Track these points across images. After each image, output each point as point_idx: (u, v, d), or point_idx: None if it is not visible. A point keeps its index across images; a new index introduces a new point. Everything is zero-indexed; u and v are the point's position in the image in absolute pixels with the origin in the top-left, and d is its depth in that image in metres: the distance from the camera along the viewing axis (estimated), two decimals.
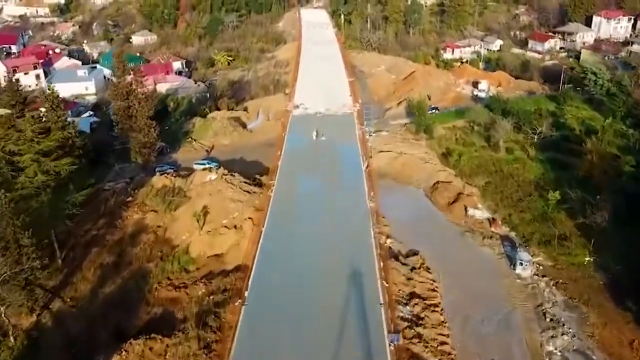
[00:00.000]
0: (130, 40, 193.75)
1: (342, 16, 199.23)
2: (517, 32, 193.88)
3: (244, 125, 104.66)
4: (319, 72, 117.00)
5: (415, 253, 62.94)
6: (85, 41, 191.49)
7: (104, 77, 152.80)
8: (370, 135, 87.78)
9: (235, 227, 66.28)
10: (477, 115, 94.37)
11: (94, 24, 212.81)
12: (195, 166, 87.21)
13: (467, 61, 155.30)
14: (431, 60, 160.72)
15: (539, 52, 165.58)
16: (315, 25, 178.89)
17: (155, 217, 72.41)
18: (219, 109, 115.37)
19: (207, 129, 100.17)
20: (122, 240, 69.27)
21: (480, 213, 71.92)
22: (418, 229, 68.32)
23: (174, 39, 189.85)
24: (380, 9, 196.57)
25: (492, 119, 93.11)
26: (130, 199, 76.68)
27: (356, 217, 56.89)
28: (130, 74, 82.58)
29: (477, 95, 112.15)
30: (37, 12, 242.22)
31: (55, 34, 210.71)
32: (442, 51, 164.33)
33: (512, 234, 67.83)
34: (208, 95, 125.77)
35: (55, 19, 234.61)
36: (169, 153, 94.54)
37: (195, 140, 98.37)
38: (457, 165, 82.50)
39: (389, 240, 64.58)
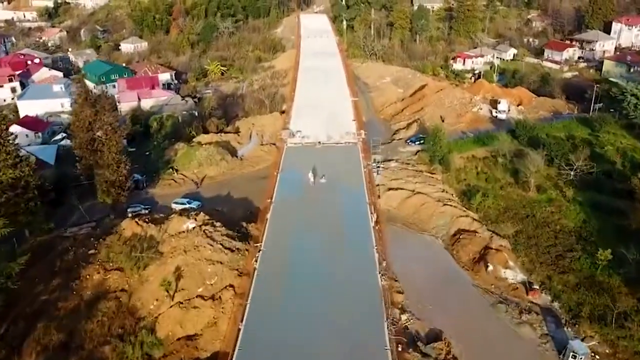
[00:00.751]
0: (119, 47, 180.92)
1: (345, 22, 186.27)
2: (531, 39, 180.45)
3: (233, 152, 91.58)
4: (319, 90, 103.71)
5: (437, 335, 49.94)
6: (70, 49, 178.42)
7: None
8: (377, 172, 74.68)
9: (212, 297, 53.34)
10: (501, 144, 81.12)
11: (82, 30, 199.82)
12: (173, 206, 74.37)
13: (479, 73, 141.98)
14: (440, 71, 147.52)
15: (556, 62, 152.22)
16: (316, 33, 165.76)
17: (120, 278, 59.36)
18: (207, 131, 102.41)
19: (191, 157, 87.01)
20: (77, 308, 56.30)
21: (512, 274, 58.90)
22: (439, 297, 55.34)
23: (165, 46, 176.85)
24: (384, 14, 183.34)
25: (518, 148, 79.96)
26: (92, 251, 63.73)
27: (364, 300, 43.75)
28: (95, 100, 69.27)
29: (496, 116, 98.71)
30: (24, 16, 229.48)
31: (41, 40, 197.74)
32: (452, 61, 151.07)
33: (555, 305, 54.71)
34: (197, 113, 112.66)
35: (43, 24, 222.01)
36: (145, 187, 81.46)
37: (177, 171, 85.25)
38: (481, 208, 69.31)
39: (404, 317, 51.65)
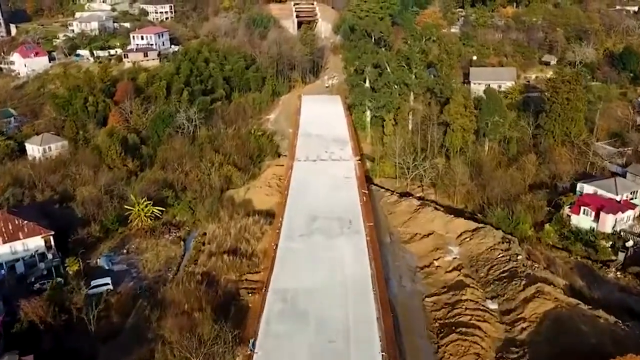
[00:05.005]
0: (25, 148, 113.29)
1: (369, 112, 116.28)
2: None
3: None
4: None
5: None
6: None
7: None
8: None
9: None
10: None
11: None
12: None
13: (635, 246, 69.90)
14: (550, 232, 75.63)
15: None
16: (321, 146, 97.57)
17: None
18: None
19: None
20: None
21: None
22: None
23: (89, 152, 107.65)
24: (429, 97, 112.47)
25: None
26: None
27: None
28: None
29: None
30: None
31: None
32: (568, 211, 78.75)
33: None
34: None
35: None
36: None
37: None
38: None
39: None
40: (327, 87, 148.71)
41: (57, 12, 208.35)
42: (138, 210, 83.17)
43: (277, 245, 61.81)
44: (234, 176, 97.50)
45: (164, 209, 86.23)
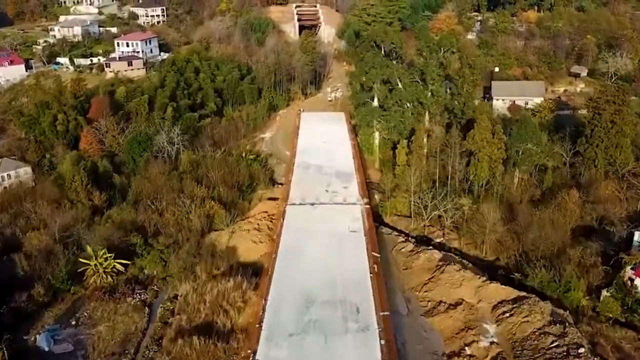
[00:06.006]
0: None
1: (377, 134, 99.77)
2: None
3: None
4: None
5: None
6: None
7: None
8: None
9: None
10: None
11: None
12: None
13: None
14: (612, 303, 58.93)
15: None
16: (322, 178, 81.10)
17: None
18: None
19: None
20: None
21: None
22: None
23: (50, 183, 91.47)
24: (452, 121, 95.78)
25: None
26: None
27: None
28: None
29: None
30: None
31: None
32: (630, 274, 61.94)
33: None
34: None
35: None
36: None
37: None
38: None
39: None
40: (330, 100, 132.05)
41: (40, 16, 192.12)
42: (96, 264, 67.16)
43: (255, 354, 45.24)
44: (218, 216, 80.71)
45: (129, 262, 70.01)
